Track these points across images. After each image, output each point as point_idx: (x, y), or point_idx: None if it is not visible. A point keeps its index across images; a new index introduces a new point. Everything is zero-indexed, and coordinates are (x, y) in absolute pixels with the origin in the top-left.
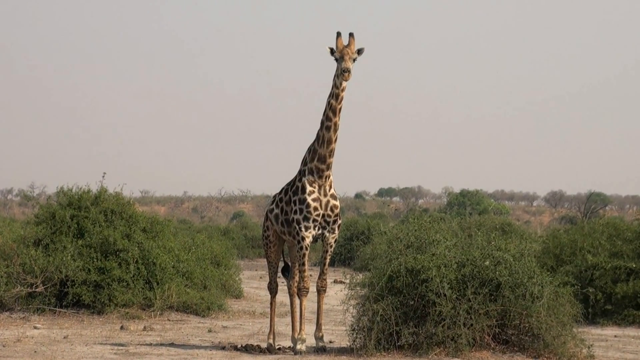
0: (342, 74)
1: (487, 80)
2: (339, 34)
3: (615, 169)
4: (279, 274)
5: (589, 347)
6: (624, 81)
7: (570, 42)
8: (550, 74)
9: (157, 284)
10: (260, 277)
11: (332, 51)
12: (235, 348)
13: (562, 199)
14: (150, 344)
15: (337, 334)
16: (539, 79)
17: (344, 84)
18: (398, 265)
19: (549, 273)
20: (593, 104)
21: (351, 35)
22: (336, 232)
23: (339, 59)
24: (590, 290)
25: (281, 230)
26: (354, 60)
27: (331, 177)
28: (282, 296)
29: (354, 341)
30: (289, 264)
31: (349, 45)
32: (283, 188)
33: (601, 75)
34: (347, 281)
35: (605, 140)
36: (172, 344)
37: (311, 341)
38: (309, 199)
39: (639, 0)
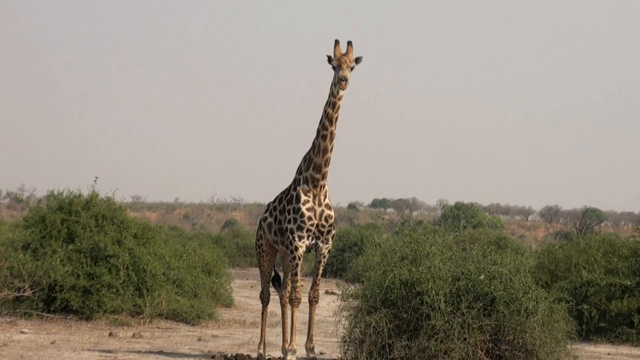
0: (339, 82)
1: (484, 92)
2: (337, 42)
3: (611, 185)
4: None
5: None
6: (622, 97)
7: (569, 54)
8: (547, 88)
9: (147, 290)
10: (252, 286)
11: (329, 59)
12: (225, 357)
13: (558, 214)
14: (139, 352)
15: (328, 346)
16: (536, 93)
17: (341, 92)
18: (393, 277)
19: (543, 289)
20: (590, 119)
21: (349, 43)
22: (330, 242)
23: (337, 67)
24: (584, 307)
25: (274, 239)
26: (352, 69)
27: (326, 187)
28: (273, 306)
29: (345, 353)
30: (279, 274)
31: (347, 53)
32: (277, 197)
33: (599, 90)
34: (340, 292)
35: (602, 155)
36: (161, 352)
37: (302, 352)
38: (304, 209)
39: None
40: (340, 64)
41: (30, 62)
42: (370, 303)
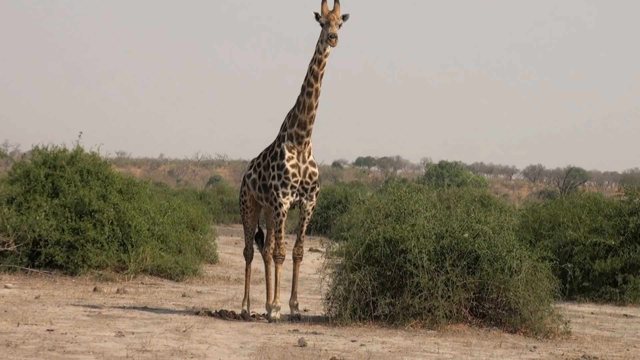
0: (328, 39)
1: (468, 51)
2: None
3: (594, 145)
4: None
5: (565, 323)
6: (608, 56)
7: (569, 12)
8: (532, 46)
9: (132, 246)
10: (236, 243)
11: (317, 16)
12: (209, 313)
13: (541, 173)
14: (124, 307)
15: (312, 303)
16: (521, 51)
17: (329, 49)
18: (376, 234)
19: (527, 247)
20: (575, 79)
21: (337, 1)
22: (314, 199)
23: (325, 25)
24: (568, 266)
25: (258, 195)
26: (340, 26)
27: (310, 144)
28: (257, 263)
29: (329, 310)
30: (262, 230)
31: (334, 10)
32: (261, 153)
33: (586, 48)
34: (324, 250)
35: (585, 115)
36: (145, 308)
37: (286, 309)
38: (288, 165)
39: None
40: (329, 20)
41: (13, 16)
42: (354, 260)
